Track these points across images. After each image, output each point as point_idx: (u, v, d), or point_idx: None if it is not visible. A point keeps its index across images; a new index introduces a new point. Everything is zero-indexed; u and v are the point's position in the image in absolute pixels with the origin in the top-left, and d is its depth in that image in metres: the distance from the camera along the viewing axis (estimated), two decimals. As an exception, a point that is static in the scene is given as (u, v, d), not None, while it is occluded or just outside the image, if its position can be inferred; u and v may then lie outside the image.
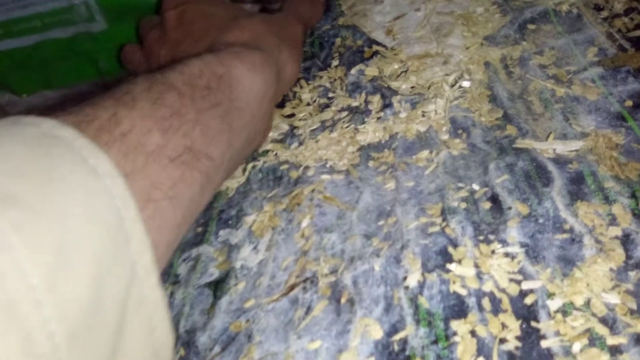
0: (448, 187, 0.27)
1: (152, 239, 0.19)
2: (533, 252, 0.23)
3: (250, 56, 0.28)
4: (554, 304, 0.21)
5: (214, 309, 0.26)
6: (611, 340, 0.20)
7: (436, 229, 0.25)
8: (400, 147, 0.31)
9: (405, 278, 0.24)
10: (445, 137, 0.31)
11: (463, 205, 0.26)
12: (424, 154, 0.30)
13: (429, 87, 0.34)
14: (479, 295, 0.22)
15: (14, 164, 0.16)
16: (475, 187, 0.27)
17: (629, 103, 0.29)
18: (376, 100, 0.34)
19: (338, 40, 0.41)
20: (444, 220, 0.26)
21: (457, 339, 0.21)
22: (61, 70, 0.48)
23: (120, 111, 0.21)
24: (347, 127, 0.33)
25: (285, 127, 0.35)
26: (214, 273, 0.27)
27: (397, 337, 0.22)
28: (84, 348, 0.16)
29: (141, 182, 0.20)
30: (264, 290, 0.26)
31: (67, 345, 0.15)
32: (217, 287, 0.27)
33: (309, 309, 0.24)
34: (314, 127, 0.34)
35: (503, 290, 0.22)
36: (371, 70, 0.37)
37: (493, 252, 0.24)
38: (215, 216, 0.31)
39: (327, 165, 0.31)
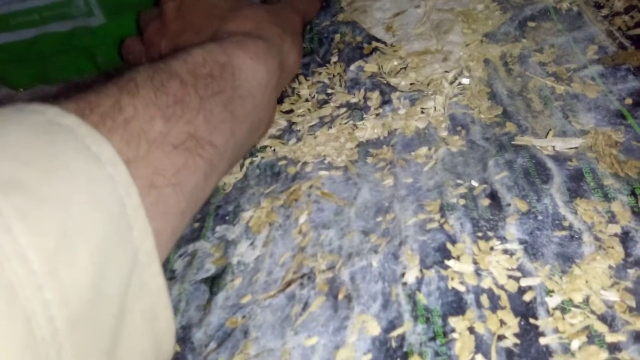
0: (447, 184, 0.27)
1: (156, 226, 0.19)
2: (532, 249, 0.23)
3: (253, 45, 0.28)
4: (552, 301, 0.21)
5: (210, 304, 0.26)
6: (610, 338, 0.20)
7: (434, 225, 0.25)
8: (399, 143, 0.31)
9: (403, 274, 0.24)
10: (444, 133, 0.30)
11: (462, 201, 0.26)
12: (423, 150, 0.30)
13: (428, 84, 0.34)
14: (478, 291, 0.22)
15: (20, 151, 0.16)
16: (474, 183, 0.27)
17: (629, 101, 0.29)
18: (375, 97, 0.34)
19: (337, 37, 0.40)
20: (442, 216, 0.26)
21: (455, 335, 0.21)
22: (59, 64, 0.48)
23: (124, 98, 0.21)
24: (345, 123, 0.33)
25: (283, 123, 0.35)
26: (210, 269, 0.27)
27: (394, 333, 0.22)
28: (84, 333, 0.16)
29: (144, 169, 0.20)
30: (261, 286, 0.26)
31: (67, 329, 0.15)
32: (214, 282, 0.27)
33: (306, 305, 0.24)
34: (313, 123, 0.34)
35: (502, 287, 0.22)
36: (370, 67, 0.36)
37: (492, 248, 0.24)
38: (212, 212, 0.30)
39: (325, 162, 0.31)
